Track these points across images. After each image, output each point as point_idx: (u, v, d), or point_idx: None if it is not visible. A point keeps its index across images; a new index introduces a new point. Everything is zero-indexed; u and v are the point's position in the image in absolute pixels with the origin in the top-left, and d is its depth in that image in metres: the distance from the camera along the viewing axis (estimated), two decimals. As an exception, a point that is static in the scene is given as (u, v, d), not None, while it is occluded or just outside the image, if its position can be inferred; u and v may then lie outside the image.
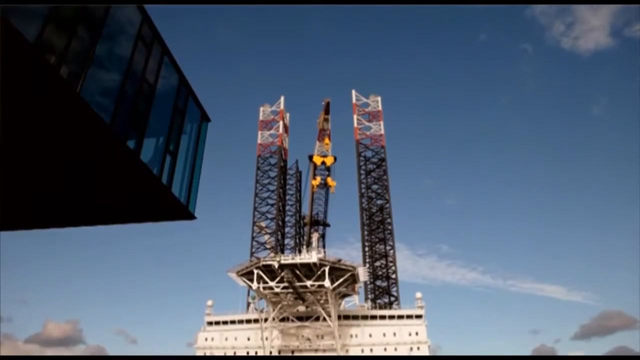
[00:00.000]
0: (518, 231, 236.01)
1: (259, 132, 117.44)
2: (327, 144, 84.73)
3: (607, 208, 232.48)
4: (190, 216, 11.62)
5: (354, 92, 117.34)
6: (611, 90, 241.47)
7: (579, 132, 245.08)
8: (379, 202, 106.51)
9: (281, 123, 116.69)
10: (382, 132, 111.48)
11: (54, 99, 6.98)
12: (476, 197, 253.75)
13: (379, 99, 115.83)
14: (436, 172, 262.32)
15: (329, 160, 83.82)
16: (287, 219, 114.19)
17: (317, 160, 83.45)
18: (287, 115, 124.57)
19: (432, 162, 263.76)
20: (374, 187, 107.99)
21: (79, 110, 7.12)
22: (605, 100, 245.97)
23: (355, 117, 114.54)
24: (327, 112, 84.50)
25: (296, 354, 66.79)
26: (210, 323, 77.96)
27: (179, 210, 11.21)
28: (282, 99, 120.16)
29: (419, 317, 73.97)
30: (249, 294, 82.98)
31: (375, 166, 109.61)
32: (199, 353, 75.13)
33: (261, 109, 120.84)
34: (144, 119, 9.20)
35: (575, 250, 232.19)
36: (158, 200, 10.78)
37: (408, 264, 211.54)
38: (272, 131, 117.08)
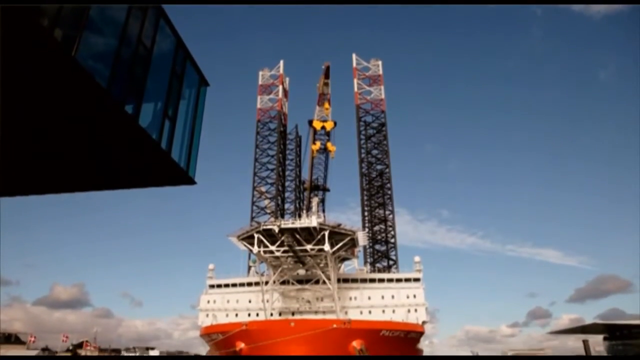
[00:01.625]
0: (518, 196, 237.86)
1: (259, 97, 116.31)
2: (327, 109, 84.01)
3: (605, 173, 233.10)
4: (190, 181, 11.67)
5: (354, 56, 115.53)
6: (619, 54, 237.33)
7: (583, 99, 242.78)
8: (379, 167, 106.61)
9: (280, 87, 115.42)
10: (383, 96, 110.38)
11: (49, 64, 6.89)
12: (477, 162, 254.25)
13: (380, 62, 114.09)
14: (438, 138, 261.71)
15: (328, 125, 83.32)
16: (287, 183, 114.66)
17: (317, 125, 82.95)
18: (287, 79, 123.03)
19: (435, 128, 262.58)
20: (374, 152, 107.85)
21: (75, 75, 7.04)
22: (612, 65, 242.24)
23: (355, 81, 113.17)
24: (327, 76, 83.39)
25: (296, 316, 68.33)
26: (212, 286, 79.49)
27: (179, 175, 11.25)
28: (282, 63, 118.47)
29: (417, 280, 75.34)
30: (249, 258, 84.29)
31: (375, 131, 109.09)
32: (202, 315, 76.96)
33: (260, 73, 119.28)
34: (142, 84, 9.11)
35: (574, 216, 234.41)
36: (158, 165, 10.81)
37: (409, 228, 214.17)
38: (271, 96, 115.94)
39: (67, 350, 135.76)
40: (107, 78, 7.75)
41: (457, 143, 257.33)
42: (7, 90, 7.13)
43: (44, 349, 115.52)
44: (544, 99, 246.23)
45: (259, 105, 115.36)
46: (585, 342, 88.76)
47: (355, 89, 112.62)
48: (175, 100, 10.67)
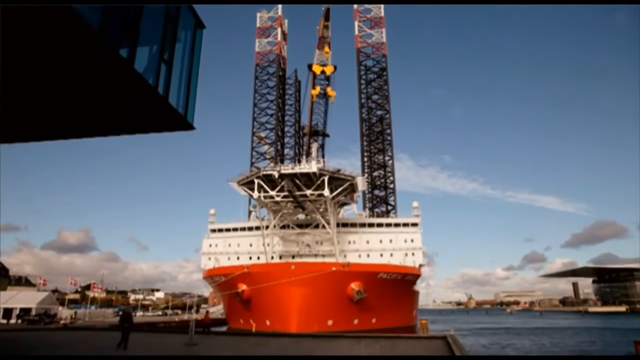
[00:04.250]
0: (520, 144, 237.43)
1: (257, 40, 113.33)
2: (327, 53, 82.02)
3: (605, 122, 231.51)
4: (189, 126, 11.69)
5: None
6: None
7: (585, 50, 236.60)
8: (379, 112, 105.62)
9: (279, 30, 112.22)
10: (384, 40, 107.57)
11: (40, 6, 6.73)
12: (483, 109, 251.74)
13: (382, 5, 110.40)
14: (445, 83, 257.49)
15: (328, 70, 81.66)
16: (286, 129, 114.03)
17: (317, 69, 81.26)
18: (286, 22, 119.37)
19: (443, 72, 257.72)
20: (374, 97, 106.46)
21: (66, 17, 6.90)
22: (612, 21, 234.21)
23: (356, 23, 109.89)
24: (327, 18, 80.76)
25: (297, 259, 70.09)
26: (213, 230, 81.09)
27: (178, 120, 11.24)
28: (280, 5, 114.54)
29: (414, 225, 76.77)
30: (250, 203, 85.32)
31: (376, 76, 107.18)
32: (204, 258, 79.00)
33: (258, 15, 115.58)
34: (136, 27, 8.91)
35: (574, 164, 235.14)
36: (156, 110, 10.77)
37: (410, 174, 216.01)
38: (270, 39, 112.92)
39: (76, 292, 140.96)
40: (99, 20, 7.60)
41: (462, 90, 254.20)
42: (4, 40, 7.02)
43: (54, 291, 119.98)
44: (548, 50, 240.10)
45: (257, 49, 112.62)
46: (575, 285, 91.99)
47: (356, 32, 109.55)
48: (171, 44, 10.49)
